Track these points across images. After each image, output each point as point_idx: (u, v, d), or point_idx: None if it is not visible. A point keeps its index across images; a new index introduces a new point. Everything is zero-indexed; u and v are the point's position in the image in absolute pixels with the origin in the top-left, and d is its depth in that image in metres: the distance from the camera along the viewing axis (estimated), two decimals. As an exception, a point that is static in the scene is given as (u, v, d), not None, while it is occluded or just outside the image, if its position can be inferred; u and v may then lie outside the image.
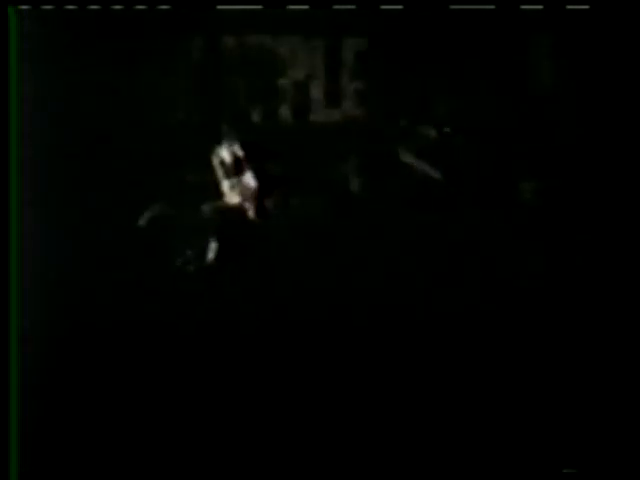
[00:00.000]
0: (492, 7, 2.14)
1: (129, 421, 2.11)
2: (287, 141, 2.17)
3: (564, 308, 2.14)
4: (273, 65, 2.18)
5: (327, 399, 2.13)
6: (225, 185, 2.17)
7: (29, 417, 2.09)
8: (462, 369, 2.13)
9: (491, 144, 2.18)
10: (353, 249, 2.16)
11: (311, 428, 2.12)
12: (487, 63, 2.17)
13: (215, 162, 2.17)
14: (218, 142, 2.18)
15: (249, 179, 2.16)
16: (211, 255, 2.15)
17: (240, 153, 2.17)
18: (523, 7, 2.15)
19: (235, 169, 2.17)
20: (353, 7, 2.13)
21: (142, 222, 2.13)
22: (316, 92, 2.19)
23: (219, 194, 2.18)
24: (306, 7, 2.13)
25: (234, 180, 2.17)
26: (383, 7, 2.14)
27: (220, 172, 2.17)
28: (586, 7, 2.15)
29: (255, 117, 2.19)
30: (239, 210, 2.16)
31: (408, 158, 2.16)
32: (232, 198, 2.17)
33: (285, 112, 2.19)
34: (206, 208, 2.16)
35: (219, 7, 2.13)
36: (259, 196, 2.15)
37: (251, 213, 2.16)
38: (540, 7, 2.15)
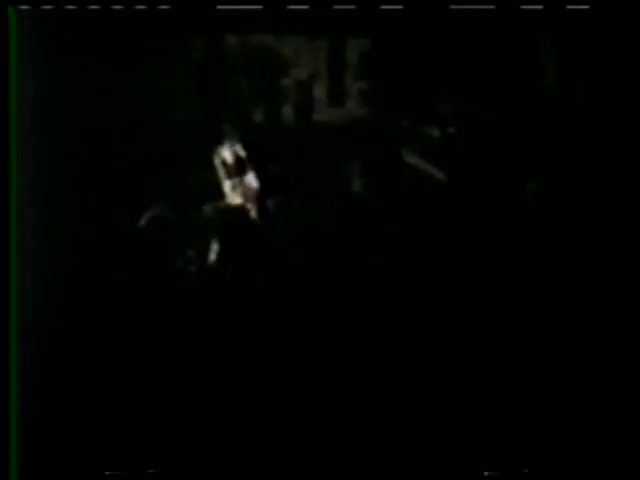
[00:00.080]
0: (492, 7, 2.15)
1: (129, 422, 2.11)
2: (289, 141, 2.17)
3: (568, 309, 2.14)
4: (276, 65, 2.18)
5: (330, 399, 2.12)
6: (227, 185, 2.17)
7: (29, 417, 2.09)
8: (467, 372, 2.13)
9: (495, 144, 2.17)
10: (355, 250, 2.15)
11: (313, 428, 2.12)
12: (489, 63, 2.17)
13: (217, 162, 2.17)
14: (220, 142, 2.17)
15: (251, 179, 2.15)
16: (213, 256, 2.15)
17: (242, 153, 2.17)
18: (523, 7, 2.15)
19: (237, 169, 2.17)
20: (355, 7, 2.13)
21: (143, 222, 2.13)
22: (319, 92, 2.19)
23: (221, 194, 2.17)
24: (306, 7, 2.13)
25: (236, 180, 2.17)
26: (383, 7, 2.14)
27: (222, 172, 2.17)
28: (586, 7, 2.15)
29: (257, 117, 2.18)
30: (241, 211, 2.16)
31: (412, 158, 2.16)
32: (234, 198, 2.16)
33: (288, 112, 2.18)
34: (208, 208, 2.16)
35: (219, 7, 2.13)
36: (261, 196, 2.15)
37: (253, 214, 2.15)
38: (540, 7, 2.16)
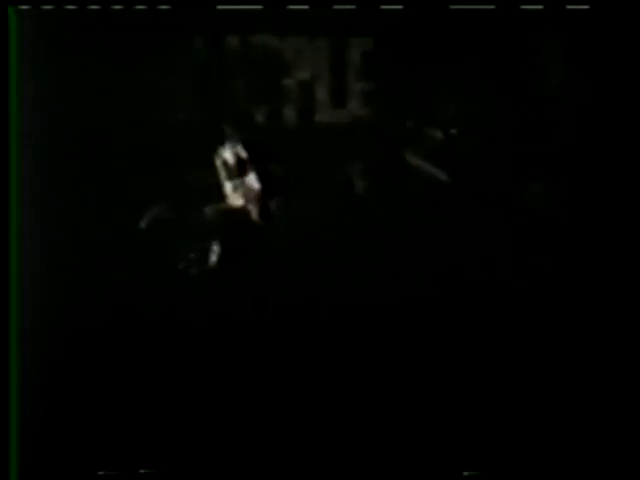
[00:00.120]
0: (492, 7, 2.15)
1: (130, 423, 2.11)
2: (291, 142, 2.16)
3: (574, 312, 2.14)
4: (277, 65, 2.17)
5: (332, 402, 2.12)
6: (228, 187, 2.16)
7: (29, 417, 2.09)
8: (469, 377, 2.13)
9: (497, 145, 2.17)
10: (358, 252, 2.15)
11: (315, 432, 2.12)
12: (492, 64, 2.17)
13: (218, 163, 2.16)
14: (221, 143, 2.17)
15: (252, 181, 2.15)
16: (214, 258, 2.14)
17: (243, 154, 2.16)
18: (523, 7, 2.15)
19: (238, 170, 2.16)
20: (356, 7, 2.13)
21: (143, 224, 2.13)
22: (321, 92, 2.18)
23: (222, 196, 2.17)
24: (307, 7, 2.13)
25: (237, 182, 2.16)
26: (384, 7, 2.14)
27: (223, 173, 2.16)
28: (586, 7, 2.15)
29: (259, 118, 2.17)
30: (242, 212, 2.15)
31: (414, 160, 2.15)
32: (235, 200, 2.16)
33: (289, 113, 2.18)
34: (209, 210, 2.15)
35: (220, 7, 2.13)
36: (262, 198, 2.14)
37: (254, 215, 2.15)
38: (540, 7, 2.16)
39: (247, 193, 2.15)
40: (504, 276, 2.14)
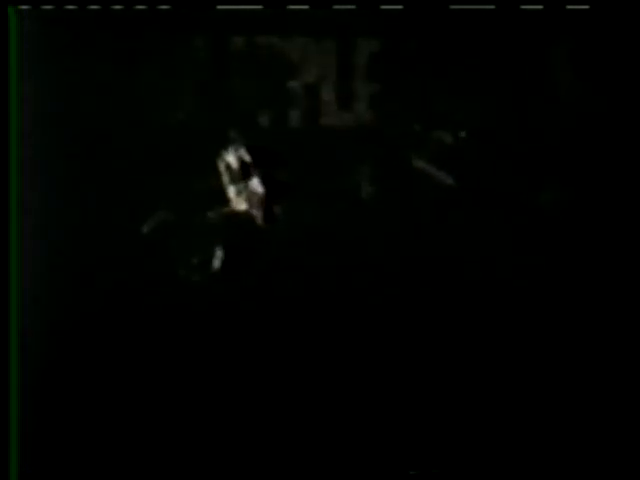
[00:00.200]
0: (492, 7, 2.15)
1: (130, 425, 2.11)
2: (296, 146, 2.15)
3: (584, 316, 2.14)
4: (282, 67, 2.16)
5: (336, 406, 2.12)
6: (231, 191, 2.15)
7: (29, 417, 2.09)
8: (483, 386, 2.13)
9: (505, 149, 2.17)
10: (364, 257, 2.14)
11: (317, 437, 2.12)
12: (499, 66, 2.17)
13: (221, 167, 2.14)
14: (224, 146, 2.15)
15: (256, 185, 2.13)
16: (217, 263, 2.14)
17: (247, 158, 2.14)
18: (523, 7, 2.15)
19: (242, 174, 2.14)
20: (360, 8, 2.13)
21: (146, 230, 2.11)
22: (327, 95, 2.17)
23: (225, 200, 2.15)
24: (311, 8, 2.13)
25: (241, 186, 2.14)
26: (385, 7, 2.14)
27: (226, 177, 2.15)
28: (586, 7, 2.15)
29: (263, 121, 2.16)
30: (246, 217, 2.14)
31: (420, 163, 2.14)
32: (239, 204, 2.14)
33: (295, 115, 2.17)
34: (212, 214, 2.14)
35: (221, 7, 2.13)
36: (267, 202, 2.12)
37: (258, 220, 2.13)
38: (540, 7, 2.16)
39: (251, 197, 2.13)
40: (512, 281, 2.14)
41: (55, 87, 2.13)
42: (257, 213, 2.13)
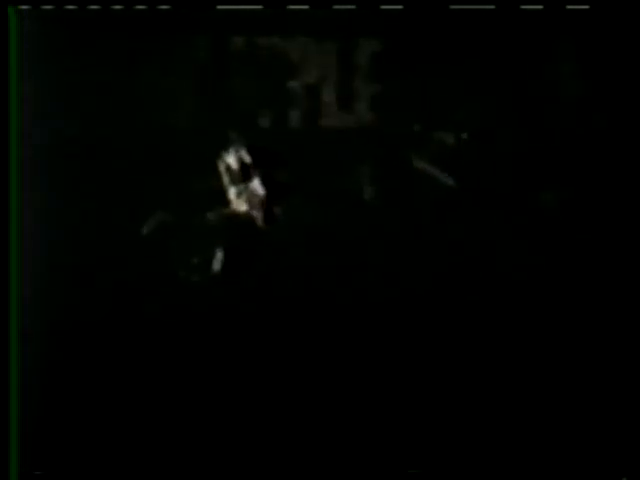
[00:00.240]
0: (492, 7, 2.15)
1: (130, 426, 2.11)
2: (296, 146, 2.15)
3: (584, 318, 2.14)
4: (282, 67, 2.16)
5: (336, 409, 2.12)
6: (232, 192, 2.14)
7: (29, 417, 2.09)
8: (477, 384, 2.13)
9: (507, 150, 2.16)
10: (366, 258, 2.14)
11: (317, 437, 2.12)
12: (501, 66, 2.17)
13: (221, 168, 2.14)
14: (224, 147, 2.15)
15: (256, 186, 2.13)
16: (217, 265, 2.13)
17: (247, 159, 2.14)
18: (523, 7, 2.15)
19: (242, 175, 2.14)
20: (360, 8, 2.13)
21: (146, 231, 2.11)
22: (328, 95, 2.17)
23: (226, 201, 2.15)
24: (312, 7, 2.13)
25: (241, 187, 2.14)
26: (385, 7, 2.14)
27: (226, 178, 2.14)
28: (586, 7, 2.15)
29: (263, 121, 2.16)
30: (246, 218, 2.13)
31: (421, 164, 2.14)
32: (239, 205, 2.14)
33: (295, 116, 2.16)
34: (212, 216, 2.13)
35: (222, 7, 2.13)
36: (267, 204, 2.12)
37: (259, 221, 2.12)
38: (540, 7, 2.16)
39: (251, 199, 2.13)
40: (514, 281, 2.14)
41: (55, 87, 2.13)
42: (257, 214, 2.13)
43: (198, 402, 2.11)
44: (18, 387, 2.08)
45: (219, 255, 2.12)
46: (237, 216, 2.14)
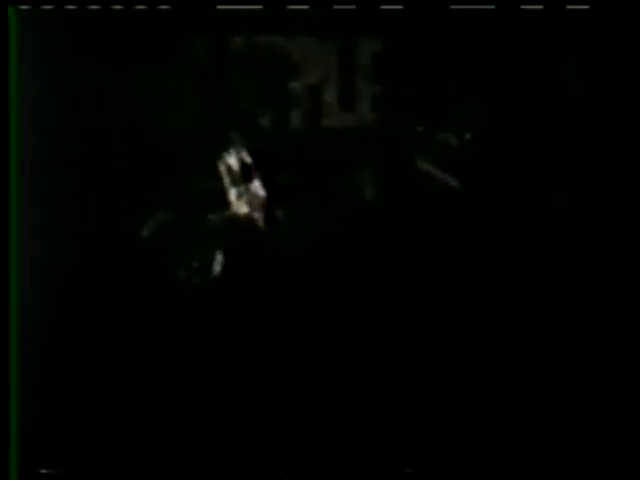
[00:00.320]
0: (492, 7, 2.15)
1: (130, 427, 2.11)
2: (298, 147, 2.14)
3: (587, 320, 2.14)
4: (284, 67, 2.16)
5: (336, 411, 2.12)
6: (232, 194, 2.14)
7: (29, 417, 2.09)
8: (479, 385, 2.13)
9: (510, 151, 2.16)
10: (367, 260, 2.14)
11: (318, 437, 2.12)
12: (500, 66, 2.17)
13: (222, 169, 2.13)
14: (225, 148, 2.14)
15: (257, 187, 2.12)
16: (217, 267, 2.13)
17: (248, 160, 2.13)
18: (523, 7, 2.15)
19: (243, 177, 2.13)
20: (360, 8, 2.13)
21: (146, 232, 2.11)
22: (329, 96, 2.16)
23: (226, 203, 2.14)
24: (312, 7, 2.12)
25: (242, 188, 2.13)
26: (385, 7, 2.14)
27: (227, 180, 2.14)
28: (586, 7, 2.15)
29: (264, 122, 2.15)
30: (247, 220, 2.13)
31: (425, 165, 2.13)
32: (240, 207, 2.13)
33: (296, 117, 2.16)
34: (212, 217, 2.12)
35: (222, 7, 2.13)
36: (268, 205, 2.11)
37: (260, 223, 2.12)
38: (540, 7, 2.16)
39: (252, 200, 2.12)
40: (517, 283, 2.14)
41: (55, 87, 2.13)
42: (258, 216, 2.12)
43: (198, 403, 2.11)
44: (18, 386, 2.08)
45: (219, 258, 2.12)
46: (238, 218, 2.13)
